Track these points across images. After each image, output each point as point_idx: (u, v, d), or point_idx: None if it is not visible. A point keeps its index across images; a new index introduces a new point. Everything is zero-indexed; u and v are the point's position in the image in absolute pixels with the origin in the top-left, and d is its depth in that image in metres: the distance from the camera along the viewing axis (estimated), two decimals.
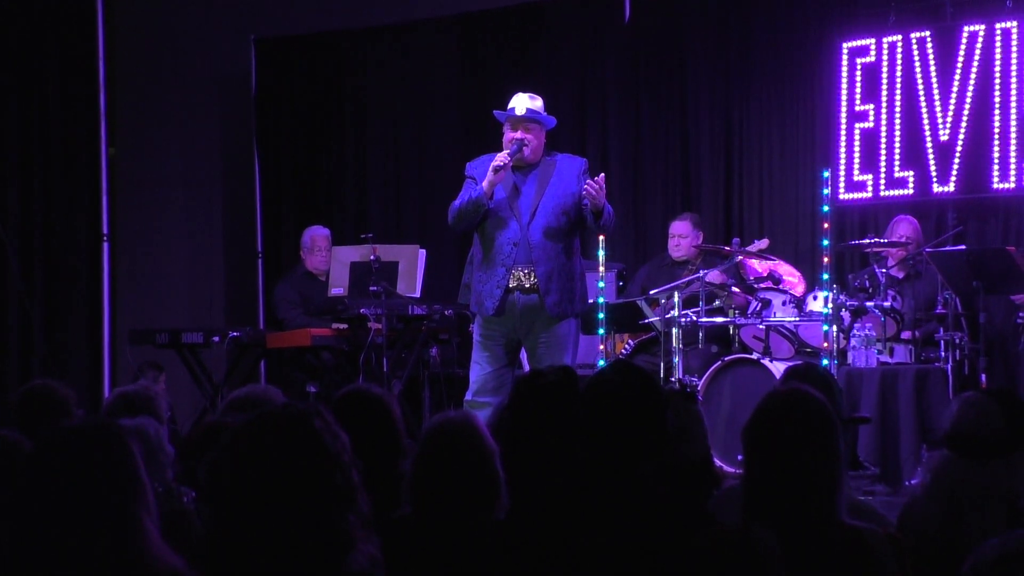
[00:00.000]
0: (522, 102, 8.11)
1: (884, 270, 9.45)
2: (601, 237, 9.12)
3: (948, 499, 3.75)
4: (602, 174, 7.92)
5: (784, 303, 9.48)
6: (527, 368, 8.96)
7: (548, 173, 8.06)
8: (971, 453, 3.74)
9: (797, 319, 9.43)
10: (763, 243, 10.03)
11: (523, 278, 8.01)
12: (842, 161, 10.81)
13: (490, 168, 7.96)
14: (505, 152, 7.99)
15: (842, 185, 10.78)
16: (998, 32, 10.22)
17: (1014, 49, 10.15)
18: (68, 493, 3.17)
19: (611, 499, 3.71)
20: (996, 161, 10.21)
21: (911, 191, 10.55)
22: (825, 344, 9.00)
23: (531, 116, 8.09)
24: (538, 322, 8.04)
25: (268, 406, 4.85)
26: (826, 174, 9.76)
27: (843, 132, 10.85)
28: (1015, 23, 10.16)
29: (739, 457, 3.82)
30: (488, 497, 3.92)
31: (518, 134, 8.05)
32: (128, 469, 3.24)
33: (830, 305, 9.04)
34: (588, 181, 7.86)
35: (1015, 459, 3.79)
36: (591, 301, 8.89)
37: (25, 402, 5.66)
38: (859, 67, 10.77)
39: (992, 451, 3.76)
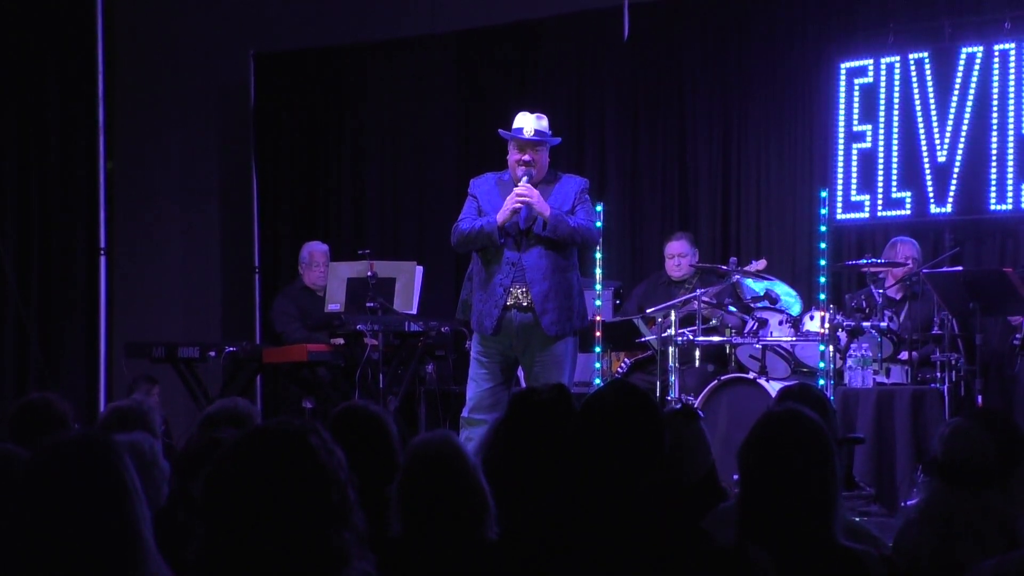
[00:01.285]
0: (529, 123, 8.10)
1: (881, 291, 9.46)
2: (598, 255, 9.12)
3: (943, 525, 3.74)
4: (524, 181, 7.95)
5: (781, 323, 9.48)
6: (524, 385, 8.96)
7: (548, 193, 8.07)
8: (964, 483, 3.73)
9: (794, 339, 9.44)
10: (761, 264, 10.03)
11: (520, 296, 8.03)
12: (839, 181, 10.82)
13: (509, 209, 7.96)
14: (521, 190, 7.95)
15: (839, 205, 10.79)
16: (996, 54, 10.23)
17: (1012, 71, 10.17)
18: (63, 506, 3.16)
19: (606, 518, 3.71)
20: (993, 182, 10.23)
21: (908, 212, 10.56)
22: (821, 364, 9.00)
23: (539, 140, 8.10)
24: (535, 341, 8.05)
25: (246, 421, 4.88)
26: (824, 194, 9.78)
27: (841, 152, 10.85)
28: (1013, 45, 10.18)
29: (734, 477, 3.82)
30: (476, 512, 3.92)
31: (526, 156, 8.06)
32: (122, 482, 3.24)
33: (827, 325, 9.04)
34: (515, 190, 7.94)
35: (1010, 485, 3.77)
36: (589, 319, 8.89)
37: (22, 415, 5.65)
38: (857, 87, 10.78)
39: (985, 480, 3.74)
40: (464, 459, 3.97)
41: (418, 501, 3.90)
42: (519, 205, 7.94)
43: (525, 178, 8.00)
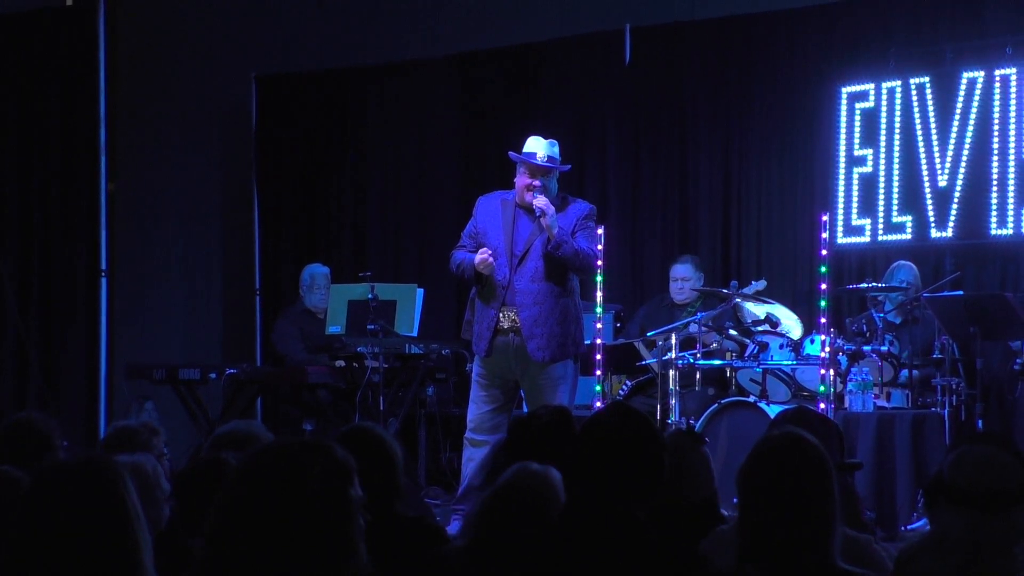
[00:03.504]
0: (542, 148, 8.13)
1: (882, 314, 9.46)
2: (599, 278, 9.12)
3: (966, 551, 3.72)
4: (543, 198, 7.96)
5: (781, 346, 9.47)
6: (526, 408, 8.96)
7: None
8: (991, 507, 3.70)
9: (794, 362, 9.43)
10: (760, 284, 10.03)
11: (516, 320, 8.06)
12: (840, 205, 10.82)
13: (482, 262, 7.98)
14: (541, 203, 7.97)
15: (840, 229, 10.79)
16: (997, 79, 10.24)
17: (1013, 96, 10.18)
18: (63, 530, 3.15)
19: (605, 540, 3.70)
20: (994, 207, 10.23)
21: (909, 236, 10.55)
22: (822, 388, 9.00)
23: (550, 166, 8.13)
24: (531, 364, 8.06)
25: (256, 442, 4.87)
26: (824, 218, 9.77)
27: (841, 176, 10.86)
28: (1014, 70, 10.19)
29: (735, 500, 3.81)
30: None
31: (536, 181, 8.08)
32: (124, 507, 3.22)
33: (827, 349, 9.04)
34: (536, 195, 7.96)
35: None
36: (588, 342, 8.90)
37: (8, 435, 5.63)
38: (858, 112, 10.79)
39: (1014, 501, 3.72)
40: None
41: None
42: (491, 263, 7.98)
43: (538, 194, 8.03)
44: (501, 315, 8.09)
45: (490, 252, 8.03)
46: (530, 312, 8.02)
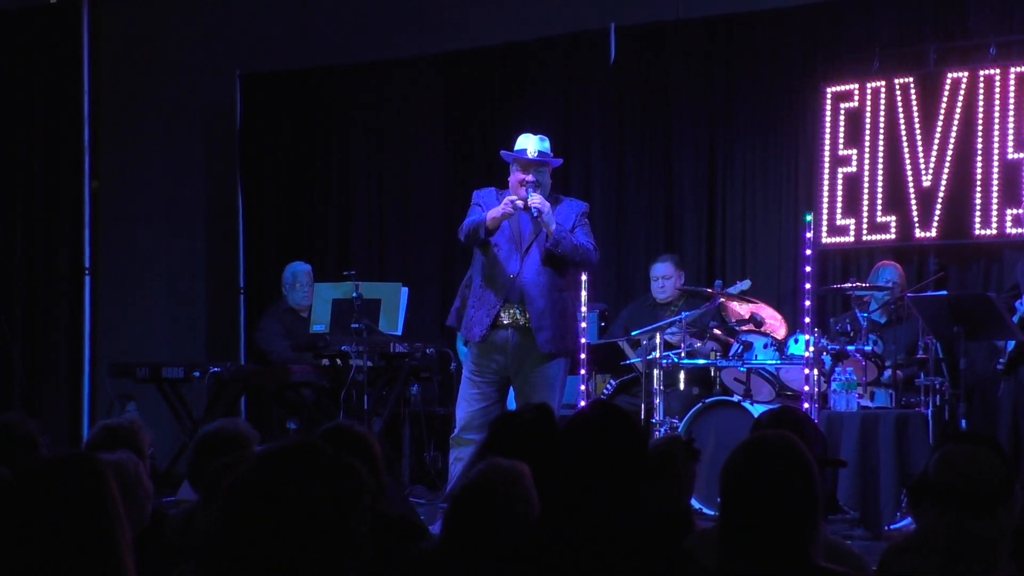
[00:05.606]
0: (532, 144, 8.18)
1: (866, 314, 9.47)
2: (584, 277, 9.14)
3: (949, 551, 3.72)
4: (537, 196, 8.00)
5: (765, 346, 9.48)
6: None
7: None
8: (976, 507, 3.70)
9: (778, 362, 9.44)
10: (745, 284, 10.04)
11: (518, 315, 8.10)
12: (825, 205, 10.83)
13: (502, 211, 8.01)
14: (535, 201, 8.02)
15: (825, 229, 10.80)
16: (981, 79, 10.26)
17: (997, 96, 10.20)
18: (44, 525, 3.14)
19: (589, 537, 3.70)
20: (978, 207, 10.24)
21: (893, 236, 10.57)
22: (806, 387, 9.01)
23: (542, 160, 8.17)
24: (529, 360, 8.09)
25: (245, 444, 4.87)
26: (809, 218, 9.79)
27: (826, 176, 10.87)
28: (998, 71, 10.21)
29: (719, 499, 3.82)
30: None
31: (529, 176, 8.11)
32: (106, 506, 3.21)
33: (811, 348, 9.05)
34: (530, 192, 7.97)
35: (1010, 503, 3.75)
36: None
37: None
38: (843, 112, 10.81)
39: (998, 501, 3.73)
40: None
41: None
42: (511, 210, 8.01)
43: (533, 189, 8.06)
44: (503, 310, 8.13)
45: (516, 198, 8.07)
46: (538, 305, 8.09)
